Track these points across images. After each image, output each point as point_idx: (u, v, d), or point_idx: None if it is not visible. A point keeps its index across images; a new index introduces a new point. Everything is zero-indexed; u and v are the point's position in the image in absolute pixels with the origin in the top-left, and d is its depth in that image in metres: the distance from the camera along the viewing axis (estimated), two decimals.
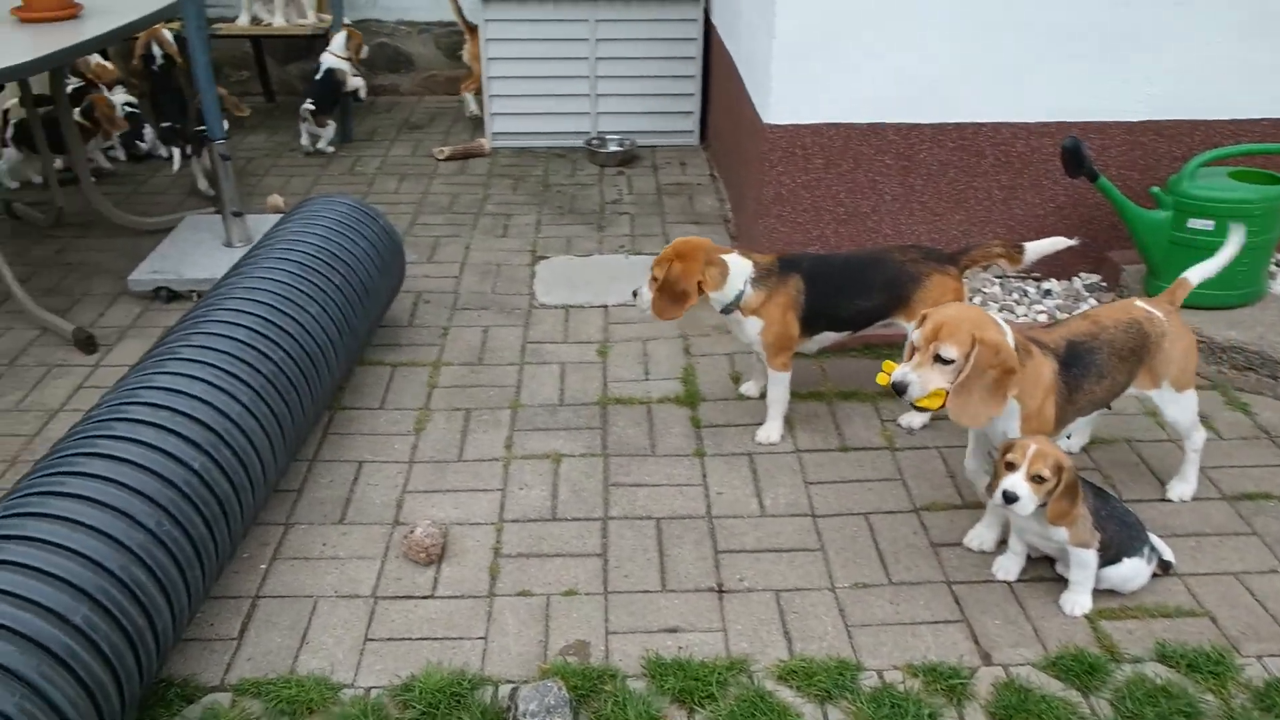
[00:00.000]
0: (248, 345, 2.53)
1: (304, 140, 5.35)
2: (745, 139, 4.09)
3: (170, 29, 5.33)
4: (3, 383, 3.29)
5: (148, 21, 3.61)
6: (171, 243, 3.99)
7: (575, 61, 5.34)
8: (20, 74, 3.24)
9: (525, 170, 5.23)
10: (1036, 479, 2.19)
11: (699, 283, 2.79)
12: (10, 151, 4.66)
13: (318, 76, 5.26)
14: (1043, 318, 3.59)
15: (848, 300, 2.89)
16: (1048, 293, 3.72)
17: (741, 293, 2.82)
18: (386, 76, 6.52)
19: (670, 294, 2.80)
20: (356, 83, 5.40)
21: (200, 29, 3.56)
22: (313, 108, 5.21)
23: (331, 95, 5.31)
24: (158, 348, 2.55)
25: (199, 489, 2.17)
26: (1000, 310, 3.61)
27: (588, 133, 5.51)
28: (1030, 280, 3.78)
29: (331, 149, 5.42)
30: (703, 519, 2.67)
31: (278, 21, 5.49)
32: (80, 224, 4.41)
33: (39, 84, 4.28)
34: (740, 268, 2.83)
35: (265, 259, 2.95)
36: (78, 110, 4.61)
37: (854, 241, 3.77)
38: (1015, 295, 3.71)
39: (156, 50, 5.06)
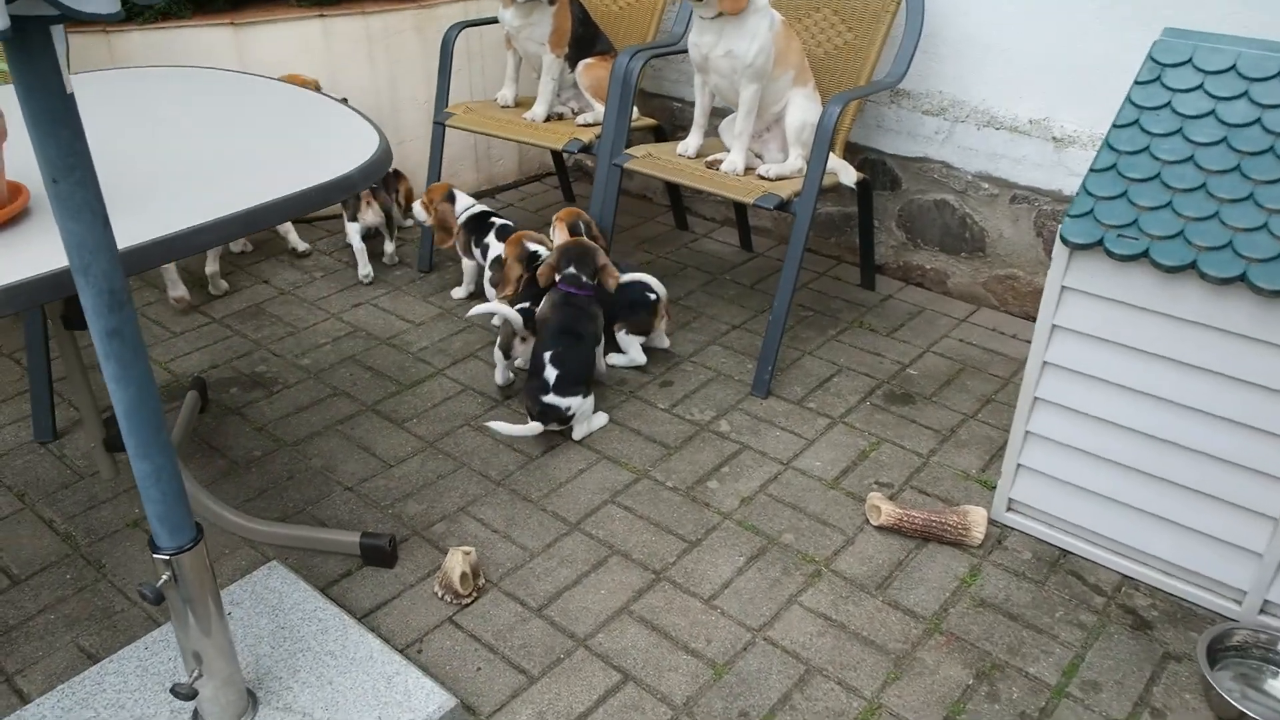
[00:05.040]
0: None
1: None
2: None
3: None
4: None
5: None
6: (135, 654, 2.03)
7: (1251, 434, 2.14)
8: None
9: (1019, 637, 2.23)
10: None
11: None
12: None
13: None
14: None
15: None
16: None
17: None
18: (933, 255, 3.80)
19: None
20: None
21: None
22: None
23: None
24: None
25: None
26: None
27: (1236, 597, 2.28)
28: None
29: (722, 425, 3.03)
30: None
31: (726, 165, 3.17)
32: None
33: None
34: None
35: None
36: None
37: None
38: None
39: (534, 247, 3.29)
